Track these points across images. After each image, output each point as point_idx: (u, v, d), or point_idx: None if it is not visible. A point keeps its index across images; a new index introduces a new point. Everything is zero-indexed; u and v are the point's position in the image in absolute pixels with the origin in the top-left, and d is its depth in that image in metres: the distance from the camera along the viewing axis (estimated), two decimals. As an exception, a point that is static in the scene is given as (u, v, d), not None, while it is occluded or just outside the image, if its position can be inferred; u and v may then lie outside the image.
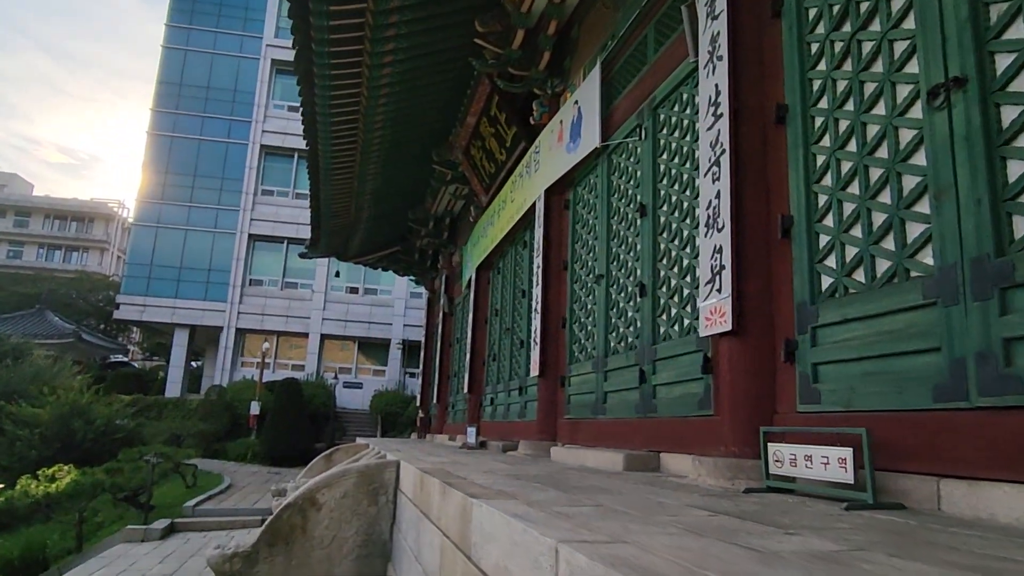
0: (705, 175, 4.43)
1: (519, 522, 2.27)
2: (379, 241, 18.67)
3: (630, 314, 6.01)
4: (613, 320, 6.39)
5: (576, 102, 7.32)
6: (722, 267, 4.09)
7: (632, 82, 6.34)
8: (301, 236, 29.64)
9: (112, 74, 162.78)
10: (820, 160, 3.74)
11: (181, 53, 31.29)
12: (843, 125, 3.59)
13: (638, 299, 5.80)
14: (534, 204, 8.52)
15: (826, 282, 3.61)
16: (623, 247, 6.31)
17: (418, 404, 18.48)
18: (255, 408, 23.75)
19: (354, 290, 30.97)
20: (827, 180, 3.66)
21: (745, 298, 3.98)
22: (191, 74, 31.21)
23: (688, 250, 5.08)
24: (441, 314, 15.76)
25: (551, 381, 7.67)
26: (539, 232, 8.21)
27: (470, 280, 12.52)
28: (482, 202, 11.83)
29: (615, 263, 6.47)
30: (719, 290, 4.10)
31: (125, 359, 43.85)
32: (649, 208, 5.74)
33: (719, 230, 4.17)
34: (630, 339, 5.97)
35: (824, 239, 3.65)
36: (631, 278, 6.05)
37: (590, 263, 7.12)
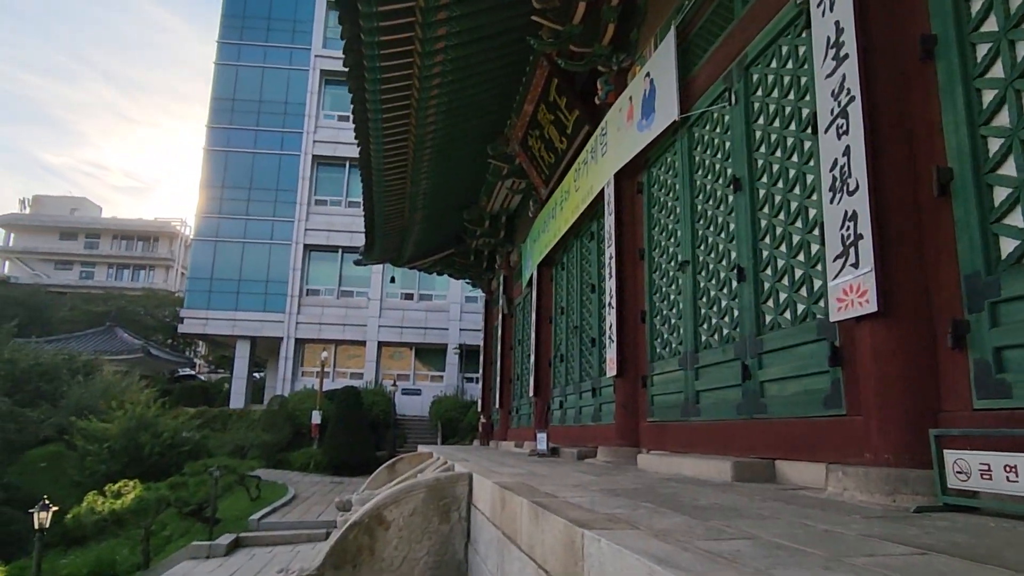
0: (826, 131, 3.73)
1: (668, 572, 1.66)
2: (434, 244, 18.31)
3: (724, 303, 5.32)
4: (703, 311, 5.71)
5: (647, 74, 6.67)
6: (858, 236, 3.38)
7: (715, 43, 5.66)
8: (355, 244, 29.69)
9: (170, 98, 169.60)
10: (989, 97, 3.01)
11: (233, 69, 31.80)
12: (1022, 48, 2.86)
13: (734, 285, 5.11)
14: (602, 191, 7.88)
15: (1008, 246, 2.88)
16: (712, 228, 5.62)
17: (479, 409, 18.01)
18: (316, 417, 23.72)
19: (409, 296, 30.82)
20: (1002, 119, 2.94)
21: (892, 272, 3.27)
22: (243, 89, 31.68)
23: (799, 224, 4.38)
24: (500, 316, 15.25)
25: (630, 381, 7.02)
26: (609, 220, 7.57)
27: (531, 278, 11.94)
28: (541, 196, 11.25)
29: (702, 247, 5.78)
30: (855, 264, 3.40)
31: (192, 372, 44.94)
32: (744, 181, 5.04)
33: (850, 193, 3.47)
34: (726, 331, 5.28)
35: (1002, 192, 2.92)
36: (723, 262, 5.36)
37: (671, 249, 6.44)
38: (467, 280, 20.84)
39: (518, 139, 11.15)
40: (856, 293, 3.39)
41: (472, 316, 30.49)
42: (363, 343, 29.90)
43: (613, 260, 7.38)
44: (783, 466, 4.32)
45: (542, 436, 8.74)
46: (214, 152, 31.15)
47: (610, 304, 7.39)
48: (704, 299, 5.70)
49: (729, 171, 5.32)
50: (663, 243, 6.68)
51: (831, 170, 3.66)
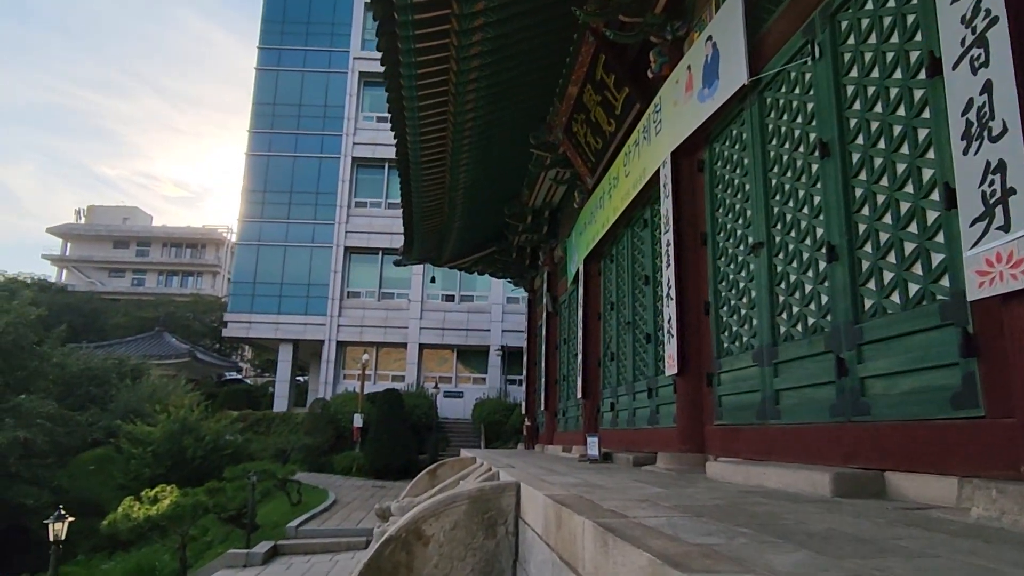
0: (955, 67, 3.03)
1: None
2: (474, 242, 17.82)
3: (809, 287, 4.61)
4: (781, 298, 5.00)
5: (709, 38, 5.98)
6: (1007, 192, 2.68)
7: (791, -8, 4.96)
8: (395, 246, 29.42)
9: (214, 109, 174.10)
10: None
11: (273, 74, 31.97)
12: None
13: (822, 266, 4.41)
14: (657, 173, 7.20)
15: None
16: (790, 204, 4.92)
17: (523, 412, 17.42)
18: (358, 420, 23.47)
19: (450, 297, 30.45)
20: None
21: (1060, 233, 2.56)
22: (284, 93, 31.81)
23: (908, 189, 3.67)
24: (544, 315, 14.63)
25: (693, 379, 6.33)
26: (666, 204, 6.89)
27: (577, 273, 11.30)
28: (587, 185, 10.61)
29: (779, 226, 5.08)
30: (1003, 227, 2.70)
31: (238, 376, 45.55)
32: (833, 145, 4.34)
33: (993, 139, 2.77)
34: (812, 320, 4.57)
35: None
36: (807, 241, 4.66)
37: (739, 231, 5.74)
38: (509, 279, 20.28)
39: (562, 125, 10.54)
40: (1007, 263, 2.68)
41: (514, 317, 29.94)
42: (404, 345, 29.63)
43: (671, 247, 6.70)
44: (896, 479, 3.60)
45: (593, 440, 8.09)
46: (256, 157, 31.33)
47: (668, 295, 6.71)
48: (783, 285, 4.99)
49: (813, 136, 4.61)
50: (729, 225, 5.98)
51: (963, 114, 2.96)
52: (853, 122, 4.21)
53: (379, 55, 8.42)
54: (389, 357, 30.26)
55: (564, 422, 13.17)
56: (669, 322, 6.65)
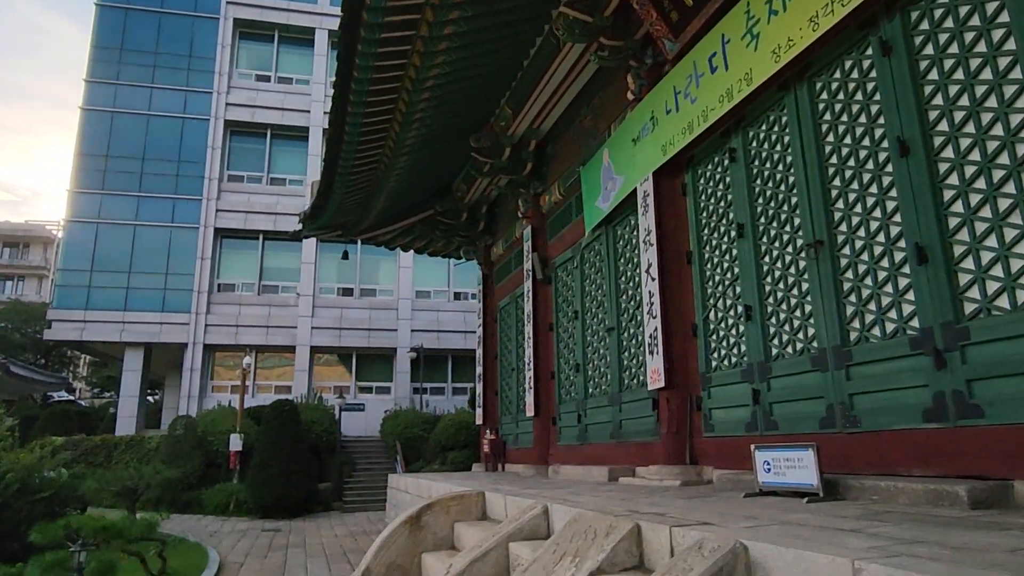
0: None
1: None
2: (409, 202, 13.47)
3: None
4: None
5: None
6: None
7: None
8: (279, 229, 24.28)
9: (48, 105, 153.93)
10: None
11: (121, 12, 25.53)
12: None
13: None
14: None
15: None
16: None
17: (478, 423, 13.21)
18: (236, 443, 18.11)
19: (348, 291, 25.45)
20: None
21: None
22: (134, 37, 25.50)
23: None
24: (530, 283, 10.60)
25: None
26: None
27: (639, 195, 7.37)
28: (666, 51, 6.77)
29: None
30: None
31: (70, 397, 37.42)
32: None
33: None
34: None
35: None
36: None
37: None
38: (449, 254, 15.97)
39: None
40: None
41: (426, 315, 25.52)
42: (292, 349, 24.24)
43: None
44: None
45: (803, 455, 4.19)
46: (95, 113, 24.74)
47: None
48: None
49: None
50: None
51: None
52: None
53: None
54: (272, 363, 24.72)
55: (568, 432, 9.23)
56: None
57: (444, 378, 25.55)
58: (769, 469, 4.51)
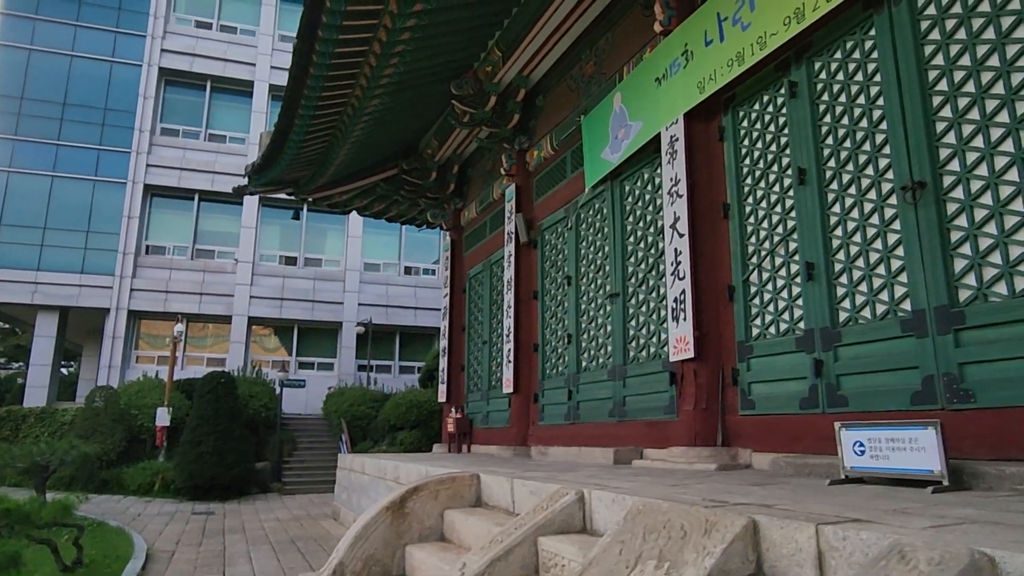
0: None
1: None
2: (377, 156, 12.25)
3: None
4: None
5: None
6: None
7: None
8: (217, 189, 22.43)
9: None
10: None
11: (42, -62, 23.00)
12: None
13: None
14: None
15: None
16: None
17: (441, 400, 12.18)
18: (163, 417, 16.54)
19: (291, 260, 23.83)
20: None
21: None
22: (57, -33, 23.00)
23: None
24: (512, 247, 9.62)
25: None
26: None
27: (659, 143, 6.51)
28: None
29: None
30: None
31: (-29, 366, 34.29)
32: None
33: None
34: None
35: None
36: None
37: None
38: (412, 219, 14.79)
39: None
40: None
41: (375, 288, 24.19)
42: (228, 319, 22.51)
43: None
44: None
45: (925, 435, 3.41)
46: (9, 49, 22.17)
47: None
48: None
49: None
50: None
51: None
52: None
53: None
54: (205, 334, 22.91)
55: (556, 411, 8.37)
56: None
57: (391, 355, 24.33)
58: (863, 451, 3.72)
